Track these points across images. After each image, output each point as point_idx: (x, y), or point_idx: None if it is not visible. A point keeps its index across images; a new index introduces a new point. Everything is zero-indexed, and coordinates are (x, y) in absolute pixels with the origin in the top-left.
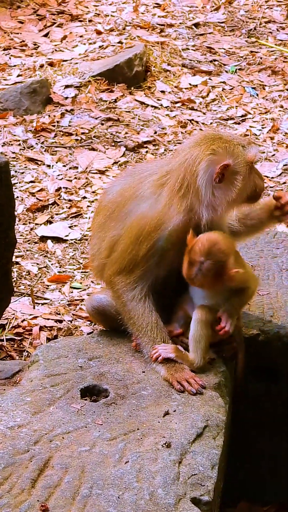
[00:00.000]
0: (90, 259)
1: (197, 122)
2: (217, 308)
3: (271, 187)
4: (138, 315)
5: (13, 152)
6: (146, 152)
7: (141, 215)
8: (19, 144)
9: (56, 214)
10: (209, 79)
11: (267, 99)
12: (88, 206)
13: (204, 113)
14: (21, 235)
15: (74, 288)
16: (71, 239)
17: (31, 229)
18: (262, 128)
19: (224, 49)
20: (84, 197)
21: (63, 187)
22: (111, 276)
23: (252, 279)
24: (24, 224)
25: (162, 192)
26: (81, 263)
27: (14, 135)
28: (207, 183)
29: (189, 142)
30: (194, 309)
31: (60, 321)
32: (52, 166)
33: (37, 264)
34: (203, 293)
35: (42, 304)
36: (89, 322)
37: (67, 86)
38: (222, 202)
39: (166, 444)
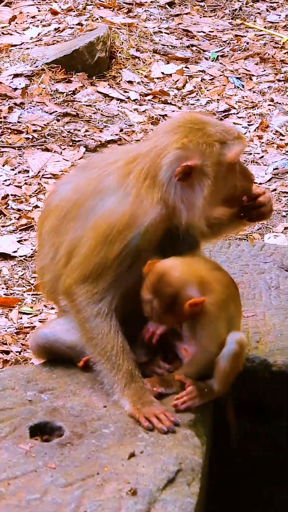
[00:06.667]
0: (39, 273)
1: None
2: None
3: None
4: (102, 335)
5: None
6: None
7: (108, 210)
8: None
9: (3, 226)
10: (186, 67)
11: (254, 91)
12: None
13: (179, 108)
14: None
15: (24, 313)
16: (20, 256)
17: None
18: (249, 125)
19: (203, 32)
20: (36, 206)
21: (11, 195)
22: (72, 286)
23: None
24: None
25: (129, 182)
26: (32, 284)
27: None
28: (169, 179)
29: (166, 125)
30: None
31: (7, 352)
32: None
33: None
34: None
35: None
36: None
37: (16, 75)
38: (192, 202)
39: (132, 491)
